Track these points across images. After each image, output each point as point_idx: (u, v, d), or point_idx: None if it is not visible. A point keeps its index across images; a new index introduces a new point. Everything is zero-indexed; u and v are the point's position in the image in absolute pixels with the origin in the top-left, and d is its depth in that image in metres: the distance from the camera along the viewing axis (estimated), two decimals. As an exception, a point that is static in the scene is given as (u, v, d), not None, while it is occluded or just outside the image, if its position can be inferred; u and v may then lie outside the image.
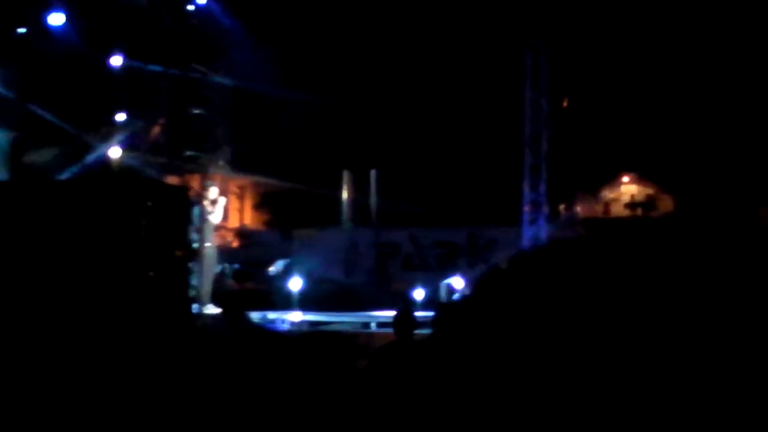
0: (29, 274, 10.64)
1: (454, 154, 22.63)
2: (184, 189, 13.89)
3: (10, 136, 16.79)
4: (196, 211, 15.01)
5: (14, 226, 11.01)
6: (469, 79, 22.63)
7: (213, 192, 15.56)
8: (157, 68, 15.52)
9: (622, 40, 21.53)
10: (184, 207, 12.89)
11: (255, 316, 14.03)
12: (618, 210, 22.77)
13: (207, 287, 15.49)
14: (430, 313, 9.35)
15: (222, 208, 15.77)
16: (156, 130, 15.60)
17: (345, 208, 20.94)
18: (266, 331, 12.61)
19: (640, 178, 23.24)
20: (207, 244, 15.26)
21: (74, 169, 18.38)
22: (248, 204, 24.05)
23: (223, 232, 21.23)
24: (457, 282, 16.34)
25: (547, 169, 19.54)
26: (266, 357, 7.33)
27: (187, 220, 13.51)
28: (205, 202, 15.27)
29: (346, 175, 20.90)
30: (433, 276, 18.83)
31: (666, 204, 22.68)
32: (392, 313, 9.11)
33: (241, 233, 22.92)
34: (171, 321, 11.31)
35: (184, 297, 12.79)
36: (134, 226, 11.40)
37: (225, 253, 19.32)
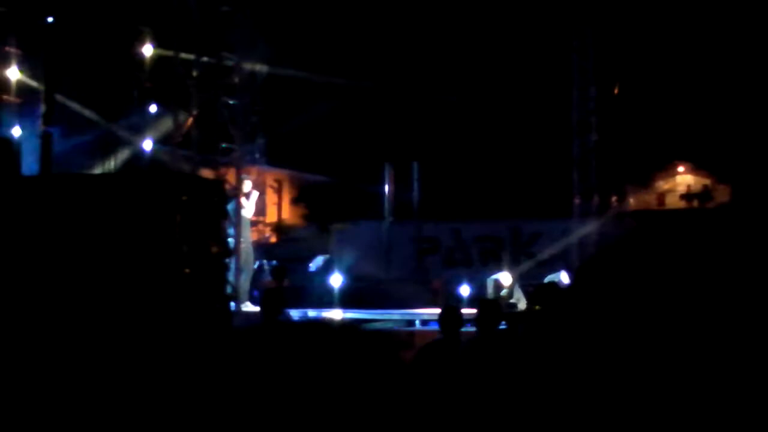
0: (61, 271, 10.62)
1: (499, 144, 22.46)
2: (219, 183, 13.78)
3: (39, 129, 16.83)
4: (231, 205, 14.89)
5: (45, 221, 10.98)
6: (515, 67, 22.44)
7: (247, 185, 15.42)
8: (188, 57, 15.41)
9: (677, 23, 21.22)
10: (219, 202, 12.79)
11: (294, 313, 13.97)
12: (673, 201, 22.45)
13: (245, 284, 15.38)
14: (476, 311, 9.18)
15: (254, 202, 15.62)
16: (188, 121, 15.49)
17: (386, 202, 20.78)
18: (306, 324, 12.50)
19: (696, 167, 22.89)
20: (242, 239, 15.13)
21: (106, 162, 18.44)
22: (286, 198, 24.01)
23: (260, 227, 21.16)
24: (505, 278, 16.16)
25: (597, 158, 19.34)
26: (307, 350, 7.18)
27: (223, 215, 13.41)
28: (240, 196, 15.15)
29: (387, 168, 20.73)
30: (475, 272, 18.68)
31: (723, 195, 22.33)
32: (435, 310, 8.98)
33: (279, 228, 22.85)
34: (208, 319, 11.23)
35: (221, 294, 12.71)
36: (169, 221, 11.33)
37: (263, 249, 19.26)
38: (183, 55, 15.42)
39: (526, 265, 18.65)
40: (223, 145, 15.55)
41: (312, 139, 21.99)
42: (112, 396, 8.61)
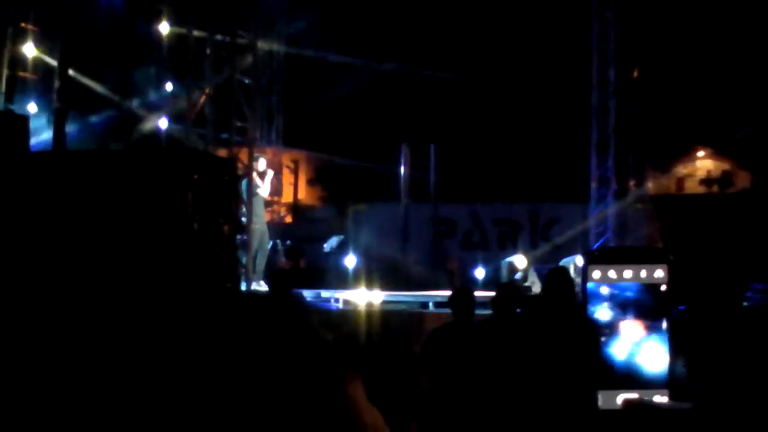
0: (72, 246, 10.51)
1: (517, 127, 22.17)
2: (231, 161, 13.63)
3: (54, 105, 16.75)
4: (244, 185, 14.73)
5: (57, 197, 10.87)
6: (534, 48, 22.12)
7: (261, 164, 15.23)
8: (202, 34, 15.19)
9: (699, 5, 20.86)
10: (231, 180, 12.65)
11: (308, 294, 13.80)
12: (692, 186, 22.13)
13: (260, 264, 15.22)
14: (491, 293, 8.96)
15: (270, 182, 15.43)
16: (202, 99, 15.30)
17: (402, 183, 20.56)
18: (315, 308, 12.33)
19: (716, 152, 22.53)
20: (257, 219, 14.96)
21: (117, 138, 18.32)
22: (302, 178, 23.80)
23: (276, 207, 21.00)
24: (520, 261, 15.93)
25: (616, 142, 19.08)
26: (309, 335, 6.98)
27: (236, 194, 13.28)
28: (254, 175, 14.95)
29: (404, 149, 20.50)
30: (492, 255, 18.50)
31: (743, 181, 21.97)
32: (450, 293, 8.74)
33: (295, 209, 22.69)
34: (217, 297, 11.11)
35: (232, 273, 12.58)
36: (180, 199, 11.19)
37: (278, 229, 19.12)
38: (197, 33, 15.21)
39: (542, 249, 18.44)
40: (239, 125, 15.37)
41: (330, 119, 21.79)
42: (120, 367, 8.48)
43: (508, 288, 8.76)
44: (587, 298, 9.51)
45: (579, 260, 16.24)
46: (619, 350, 9.26)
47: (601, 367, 8.40)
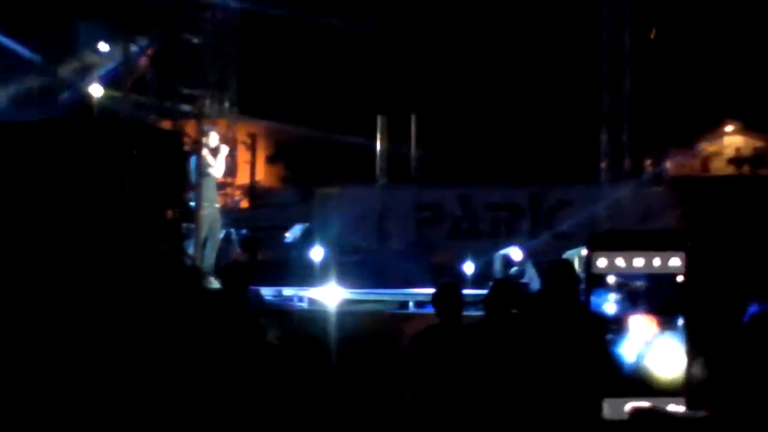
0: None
1: (515, 95, 22.25)
2: (177, 135, 13.62)
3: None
4: (192, 163, 14.67)
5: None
6: (534, 3, 22.23)
7: (213, 139, 15.14)
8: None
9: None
10: (177, 157, 12.65)
11: (267, 292, 13.81)
12: (719, 166, 22.30)
13: (210, 257, 15.19)
14: (482, 291, 8.98)
15: (224, 160, 15.37)
16: (143, 62, 15.25)
17: (379, 161, 20.57)
18: (274, 308, 12.34)
19: (747, 127, 22.71)
20: (206, 203, 14.90)
21: (44, 109, 18.23)
22: (261, 156, 23.86)
23: (229, 190, 20.97)
24: (515, 253, 16.00)
25: (631, 115, 19.17)
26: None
27: (182, 173, 13.27)
28: (204, 152, 14.86)
29: (380, 121, 20.50)
30: (486, 246, 18.53)
31: (777, 159, 22.20)
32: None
33: (252, 192, 22.73)
34: (157, 295, 11.08)
35: (177, 267, 12.56)
36: (115, 180, 11.19)
37: (232, 216, 19.10)
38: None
39: (544, 239, 18.51)
40: (186, 92, 15.33)
41: (293, 86, 21.82)
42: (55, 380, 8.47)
43: (504, 285, 8.77)
44: (590, 289, 9.44)
45: (585, 252, 16.35)
46: (627, 350, 9.23)
47: (610, 373, 8.41)
